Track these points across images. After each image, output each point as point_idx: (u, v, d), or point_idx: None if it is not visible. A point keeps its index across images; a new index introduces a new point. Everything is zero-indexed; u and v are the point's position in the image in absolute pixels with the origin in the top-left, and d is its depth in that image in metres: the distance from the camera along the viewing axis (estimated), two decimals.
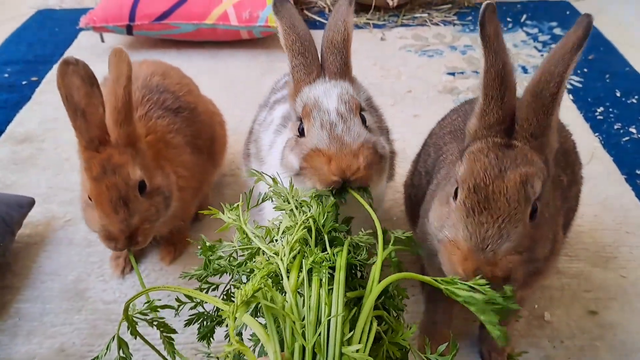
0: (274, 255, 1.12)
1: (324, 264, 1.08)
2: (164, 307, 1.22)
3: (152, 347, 1.28)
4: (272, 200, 1.33)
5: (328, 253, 1.14)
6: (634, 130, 2.66)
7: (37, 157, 2.54)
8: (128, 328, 1.17)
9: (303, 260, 1.11)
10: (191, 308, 1.25)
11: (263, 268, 1.08)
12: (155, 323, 1.27)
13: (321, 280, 1.06)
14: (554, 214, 1.26)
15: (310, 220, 1.20)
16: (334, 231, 1.24)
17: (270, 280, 1.07)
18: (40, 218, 2.20)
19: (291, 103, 1.47)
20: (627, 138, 2.62)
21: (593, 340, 1.71)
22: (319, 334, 0.97)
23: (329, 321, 0.98)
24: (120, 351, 1.20)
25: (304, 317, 1.02)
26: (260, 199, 1.38)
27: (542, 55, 3.34)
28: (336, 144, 1.26)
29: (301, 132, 1.37)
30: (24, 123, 2.78)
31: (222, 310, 0.98)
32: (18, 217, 2.00)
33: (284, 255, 1.10)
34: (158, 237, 2.05)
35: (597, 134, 2.65)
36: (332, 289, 1.05)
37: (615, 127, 2.70)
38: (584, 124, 2.71)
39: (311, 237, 1.18)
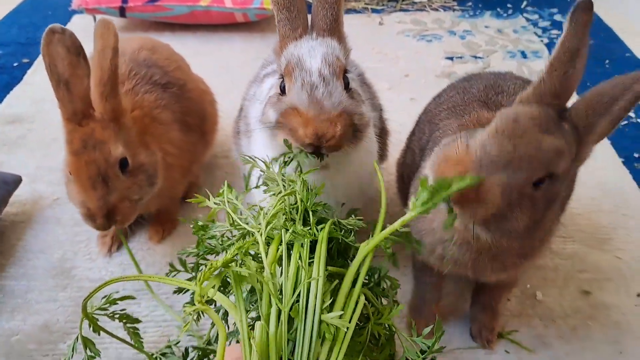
0: (255, 231, 1.09)
1: (305, 236, 1.05)
2: (122, 298, 1.18)
3: (120, 339, 1.25)
4: (264, 185, 1.29)
5: (310, 227, 1.12)
6: (632, 115, 2.63)
7: (26, 138, 2.51)
8: (89, 326, 1.14)
9: (285, 235, 1.08)
10: None
11: (239, 241, 1.05)
12: (116, 316, 1.24)
13: (301, 252, 1.02)
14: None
15: (298, 198, 1.18)
16: (321, 212, 1.22)
17: (250, 258, 1.05)
18: (27, 197, 2.17)
19: (276, 60, 1.43)
20: (625, 122, 2.58)
21: (585, 320, 1.68)
22: (298, 301, 0.94)
23: (308, 291, 0.94)
24: (88, 350, 1.18)
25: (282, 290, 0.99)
26: (247, 182, 1.35)
27: (541, 40, 3.30)
28: (315, 108, 1.23)
29: (282, 90, 1.34)
30: (13, 104, 2.75)
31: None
32: (4, 194, 1.97)
33: (262, 229, 1.08)
34: (146, 215, 2.03)
35: None
36: (313, 262, 1.02)
37: None
38: None
39: (298, 217, 1.15)
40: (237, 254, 0.97)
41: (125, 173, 1.58)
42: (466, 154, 1.06)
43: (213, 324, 1.26)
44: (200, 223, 1.24)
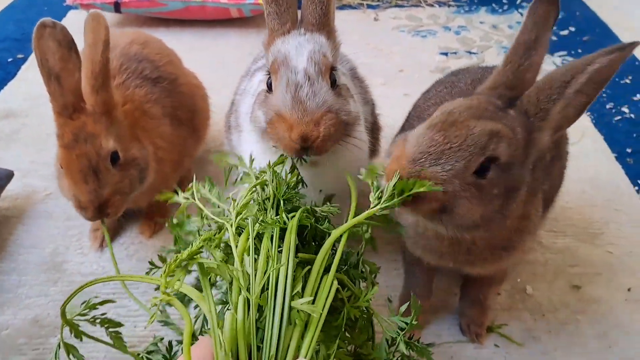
0: (225, 222, 1.09)
1: (274, 225, 1.05)
2: (102, 303, 1.15)
3: (103, 342, 1.24)
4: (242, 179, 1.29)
5: (280, 216, 1.11)
6: (626, 110, 2.62)
7: (20, 133, 2.51)
8: (71, 332, 1.11)
9: (254, 225, 1.07)
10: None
11: (208, 234, 1.05)
12: (98, 321, 1.22)
13: (272, 238, 1.02)
14: (526, 193, 1.23)
15: (271, 189, 1.17)
16: (294, 200, 1.20)
17: (218, 250, 1.05)
18: (20, 192, 2.17)
19: (265, 54, 1.42)
20: (618, 117, 2.58)
21: (575, 314, 1.69)
22: (267, 290, 0.93)
23: (278, 279, 0.94)
24: (70, 355, 1.17)
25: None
26: (226, 176, 1.34)
27: None
28: (298, 111, 1.23)
29: (269, 87, 1.34)
30: (7, 99, 2.75)
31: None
32: None
33: (232, 220, 1.07)
34: (138, 210, 2.03)
35: (588, 112, 2.61)
36: (282, 250, 1.02)
37: (608, 106, 2.66)
38: None
39: (272, 207, 1.14)
40: (202, 246, 0.97)
41: (117, 166, 1.58)
42: (402, 150, 1.07)
43: (197, 317, 1.25)
44: (175, 221, 1.23)
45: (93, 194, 1.53)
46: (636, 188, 2.17)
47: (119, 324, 1.22)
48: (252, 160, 1.27)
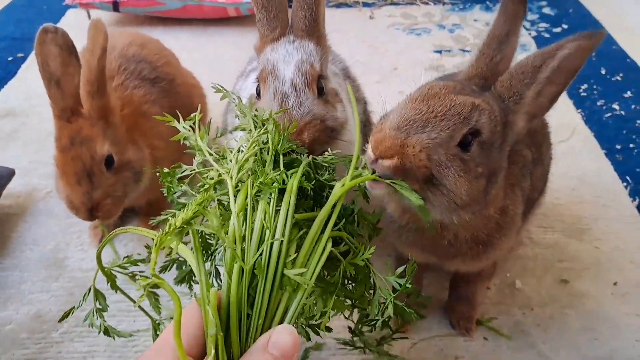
0: (224, 172, 1.03)
1: (274, 185, 1.01)
2: (142, 260, 1.11)
3: (132, 299, 1.24)
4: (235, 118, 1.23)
5: (279, 174, 1.05)
6: (616, 107, 2.67)
7: (19, 132, 2.55)
8: (107, 282, 1.09)
9: (253, 182, 1.02)
10: (167, 255, 1.13)
11: (205, 192, 1.01)
12: (137, 278, 1.23)
13: (269, 202, 0.99)
14: (504, 185, 1.27)
15: (269, 139, 1.11)
16: (294, 153, 1.17)
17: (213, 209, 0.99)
18: (21, 190, 2.21)
19: (257, 57, 1.46)
20: (609, 114, 2.62)
21: (563, 308, 1.73)
22: (261, 255, 0.92)
23: (272, 243, 0.93)
24: (97, 302, 1.18)
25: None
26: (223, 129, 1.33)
27: (529, 34, 3.33)
28: (284, 120, 1.25)
29: (258, 94, 1.37)
30: (7, 98, 2.78)
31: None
32: None
33: (234, 173, 1.02)
34: (137, 208, 2.07)
35: (579, 110, 2.65)
36: (280, 210, 0.98)
37: (599, 103, 2.70)
38: (566, 100, 2.70)
39: (269, 159, 1.09)
40: (197, 210, 0.93)
41: (111, 170, 1.62)
42: (383, 122, 1.10)
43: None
44: (166, 170, 1.15)
45: (85, 196, 1.58)
46: (624, 184, 2.21)
47: (157, 286, 1.21)
48: (252, 104, 1.30)
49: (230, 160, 1.05)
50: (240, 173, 1.03)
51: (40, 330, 1.68)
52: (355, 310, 1.18)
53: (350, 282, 1.10)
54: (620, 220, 2.06)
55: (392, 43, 3.27)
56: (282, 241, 0.94)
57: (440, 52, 3.17)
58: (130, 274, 1.16)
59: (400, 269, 1.07)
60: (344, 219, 1.10)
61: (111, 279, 1.13)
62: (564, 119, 2.55)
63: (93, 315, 1.13)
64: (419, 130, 1.04)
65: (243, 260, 0.92)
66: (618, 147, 2.41)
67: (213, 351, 0.82)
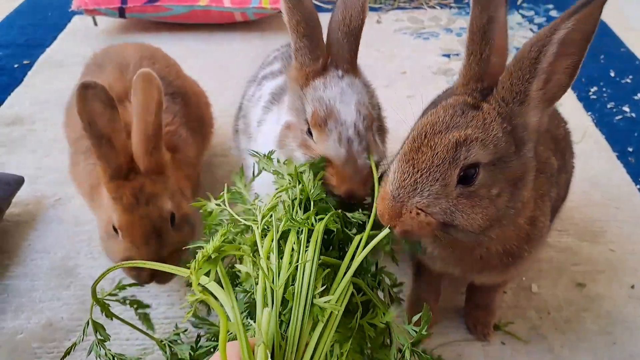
0: (252, 224, 1.14)
1: (303, 224, 1.09)
2: (131, 285, 1.23)
3: (129, 324, 1.28)
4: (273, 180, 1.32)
5: (309, 217, 1.15)
6: (627, 109, 2.65)
7: (26, 139, 2.53)
8: (101, 312, 1.17)
9: (279, 225, 1.12)
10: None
11: (227, 228, 1.09)
12: (127, 301, 1.28)
13: (296, 241, 1.07)
14: (534, 196, 1.22)
15: (298, 191, 1.21)
16: (323, 202, 1.23)
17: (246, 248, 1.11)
18: (30, 198, 2.20)
19: (294, 87, 1.38)
20: (619, 117, 2.61)
21: (579, 312, 1.72)
22: (293, 285, 0.99)
23: (303, 276, 0.99)
24: (97, 334, 1.21)
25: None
26: (240, 174, 1.36)
27: None
28: (351, 167, 1.23)
29: (309, 132, 1.30)
30: (14, 105, 2.77)
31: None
32: (7, 194, 2.00)
33: (259, 222, 1.13)
34: None
35: (589, 112, 2.64)
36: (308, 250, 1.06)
37: (609, 106, 2.69)
38: (576, 103, 2.69)
39: (300, 208, 1.18)
40: (226, 235, 1.01)
41: (174, 226, 1.52)
42: (385, 189, 1.09)
43: None
44: (208, 209, 1.27)
45: (154, 255, 1.45)
46: (637, 187, 2.20)
47: (147, 306, 1.28)
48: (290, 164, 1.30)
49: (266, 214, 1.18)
50: (264, 220, 1.15)
51: (52, 339, 1.67)
52: None
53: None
54: (633, 222, 2.05)
55: (400, 47, 3.26)
56: (311, 274, 1.00)
57: (448, 55, 3.16)
58: (121, 300, 1.24)
59: (416, 317, 1.12)
60: (367, 272, 1.19)
61: (105, 309, 1.19)
62: (575, 122, 2.51)
63: (97, 346, 1.19)
64: (411, 194, 1.05)
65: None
66: (630, 149, 2.39)
67: None
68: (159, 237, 1.46)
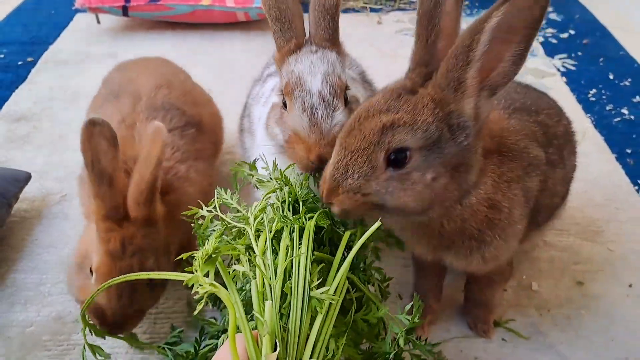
0: (244, 225, 1.20)
1: (294, 222, 1.16)
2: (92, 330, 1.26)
3: (123, 338, 1.32)
4: (257, 187, 1.39)
5: (300, 216, 1.21)
6: (625, 111, 2.69)
7: (32, 135, 2.56)
8: (91, 334, 1.24)
9: (273, 225, 1.18)
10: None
11: (221, 229, 1.19)
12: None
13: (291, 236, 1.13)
14: (484, 181, 1.20)
15: (286, 193, 1.28)
16: (313, 202, 1.29)
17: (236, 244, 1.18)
18: (36, 194, 2.22)
19: (277, 68, 1.45)
20: (618, 119, 2.64)
21: (579, 309, 1.75)
22: (289, 279, 1.05)
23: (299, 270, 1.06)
24: (97, 355, 1.26)
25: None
26: (234, 183, 1.42)
27: (537, 39, 3.34)
28: (315, 133, 1.28)
29: (284, 105, 1.37)
30: (19, 102, 2.79)
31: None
32: (14, 190, 2.02)
33: (251, 223, 1.19)
34: None
35: (589, 114, 2.67)
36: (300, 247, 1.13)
37: (607, 108, 2.72)
38: (576, 105, 2.73)
39: (289, 209, 1.25)
40: (221, 236, 1.10)
41: (149, 286, 1.45)
42: (326, 169, 1.17)
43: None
44: (200, 222, 1.33)
45: (121, 310, 1.39)
46: (636, 187, 2.23)
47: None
48: (275, 168, 1.36)
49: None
50: (256, 221, 1.21)
51: (61, 332, 1.70)
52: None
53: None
54: (632, 222, 2.08)
55: (401, 48, 3.29)
56: (307, 267, 1.06)
57: None
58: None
59: (408, 306, 1.18)
60: (357, 268, 1.24)
61: (98, 332, 1.25)
62: (574, 124, 2.56)
63: None
64: (343, 176, 1.11)
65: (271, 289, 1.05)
66: (628, 151, 2.43)
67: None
68: (133, 293, 1.39)
